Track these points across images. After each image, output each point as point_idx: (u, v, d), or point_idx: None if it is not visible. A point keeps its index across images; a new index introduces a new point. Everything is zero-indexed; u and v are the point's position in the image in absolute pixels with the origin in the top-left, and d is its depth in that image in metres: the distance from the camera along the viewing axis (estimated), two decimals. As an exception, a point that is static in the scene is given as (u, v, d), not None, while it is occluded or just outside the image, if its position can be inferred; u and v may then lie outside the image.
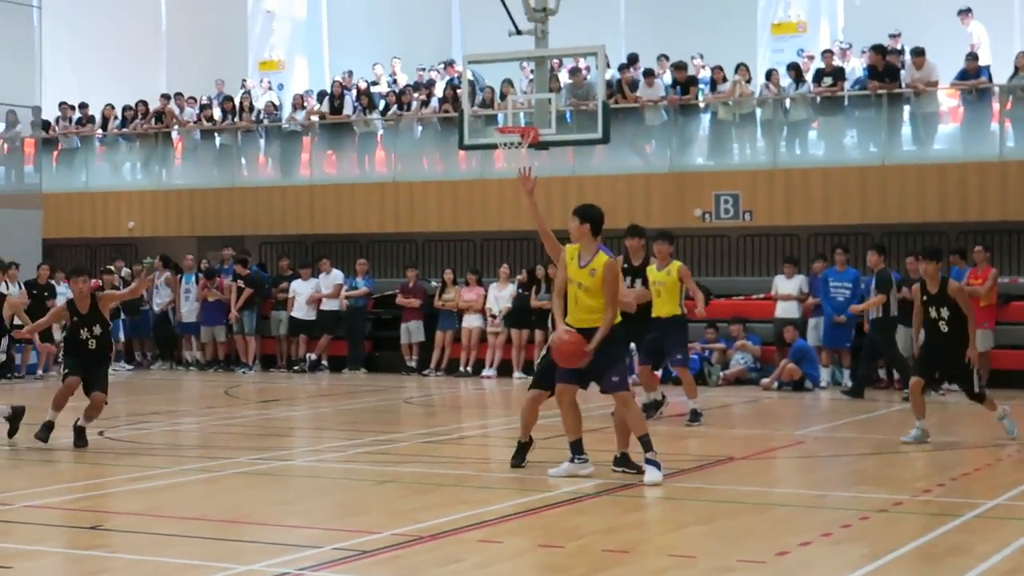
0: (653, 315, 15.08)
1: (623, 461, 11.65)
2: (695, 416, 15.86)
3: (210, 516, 9.88)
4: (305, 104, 28.14)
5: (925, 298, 13.84)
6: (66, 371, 13.92)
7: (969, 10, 24.94)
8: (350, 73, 29.71)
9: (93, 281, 15.80)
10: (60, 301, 19.59)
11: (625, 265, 14.99)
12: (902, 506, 10.34)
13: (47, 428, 13.70)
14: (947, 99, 23.70)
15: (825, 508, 10.38)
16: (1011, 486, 11.23)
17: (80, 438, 13.72)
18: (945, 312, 13.66)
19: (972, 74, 22.75)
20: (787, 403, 19.20)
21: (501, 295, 24.28)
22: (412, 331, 24.88)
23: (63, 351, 14.28)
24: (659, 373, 16.90)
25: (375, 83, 29.06)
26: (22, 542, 8.96)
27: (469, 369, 24.29)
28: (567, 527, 9.55)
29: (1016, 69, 22.58)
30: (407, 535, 9.03)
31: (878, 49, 23.23)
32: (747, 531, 9.52)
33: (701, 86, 25.08)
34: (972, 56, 23.03)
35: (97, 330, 13.80)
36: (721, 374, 22.09)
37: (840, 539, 9.10)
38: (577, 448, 11.51)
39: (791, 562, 8.35)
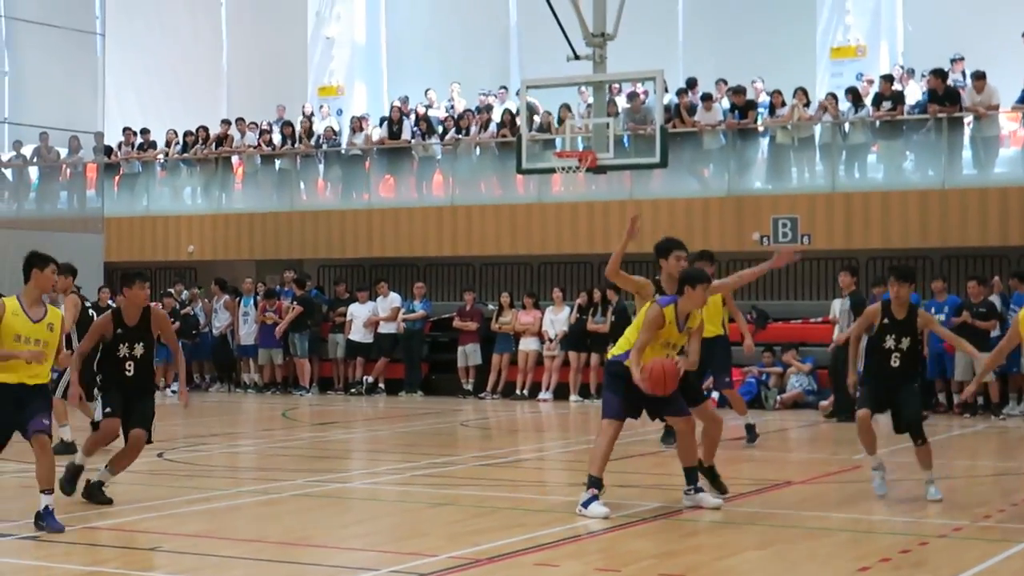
0: None
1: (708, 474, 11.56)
2: (751, 432, 15.76)
3: (268, 538, 9.93)
4: (363, 127, 28.28)
5: (886, 322, 11.77)
6: (107, 410, 11.35)
7: (1030, 32, 24.78)
8: (407, 98, 29.85)
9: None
10: None
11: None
12: (962, 532, 10.25)
13: (74, 476, 11.56)
14: (1008, 122, 23.54)
15: (883, 533, 10.30)
16: (1073, 513, 11.10)
17: (97, 494, 11.35)
18: (905, 343, 11.67)
19: (1034, 97, 22.60)
20: (844, 427, 19.03)
21: (557, 318, 24.28)
22: (469, 354, 24.92)
23: (99, 377, 11.56)
24: (715, 396, 16.69)
25: (430, 107, 29.18)
26: (82, 563, 9.05)
27: (526, 392, 24.29)
28: (624, 551, 9.53)
29: (1079, 91, 22.41)
30: (464, 558, 9.04)
31: (938, 73, 23.10)
32: (805, 556, 9.46)
33: (760, 110, 25.04)
34: (1033, 78, 22.89)
35: (140, 350, 11.34)
36: (778, 398, 21.98)
37: (899, 565, 9.03)
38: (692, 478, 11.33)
39: (849, 587, 8.30)
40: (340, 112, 32.01)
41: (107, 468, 11.40)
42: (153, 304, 14.06)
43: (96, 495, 11.31)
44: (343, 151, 28.19)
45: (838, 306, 20.01)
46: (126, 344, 11.29)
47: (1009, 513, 11.07)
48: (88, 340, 11.51)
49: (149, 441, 11.45)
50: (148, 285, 11.53)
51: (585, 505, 10.73)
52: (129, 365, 11.31)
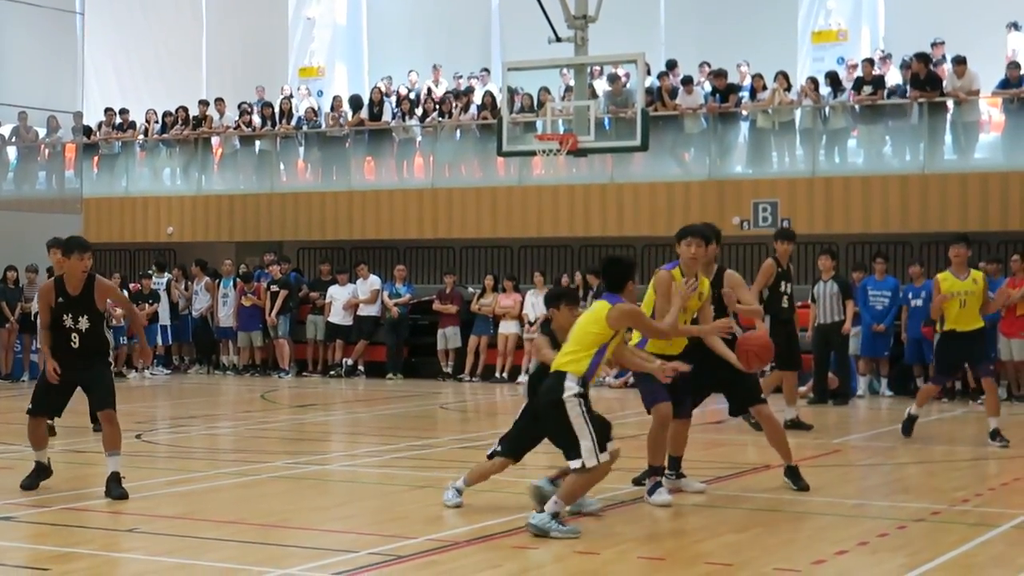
0: None
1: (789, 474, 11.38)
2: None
3: (247, 520, 9.91)
4: (341, 109, 28.19)
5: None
6: (33, 404, 11.10)
7: (1016, 24, 24.83)
8: (389, 79, 29.78)
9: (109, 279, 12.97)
10: None
11: (780, 269, 15.10)
12: (940, 515, 10.28)
13: (37, 475, 11.23)
14: (989, 108, 23.58)
15: (862, 517, 10.32)
16: (1051, 497, 11.15)
17: (116, 486, 10.85)
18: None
19: (1014, 83, 22.64)
20: (825, 411, 19.09)
21: (538, 301, 24.25)
22: (449, 337, 24.91)
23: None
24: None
25: (411, 90, 29.11)
26: (60, 544, 9.01)
27: (505, 375, 24.29)
28: (604, 534, 9.53)
29: (1058, 78, 22.45)
30: (443, 540, 9.03)
31: (921, 57, 23.11)
32: (784, 540, 9.48)
33: (741, 94, 25.03)
34: (1014, 65, 22.92)
35: (84, 323, 10.97)
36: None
37: (877, 548, 9.06)
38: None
39: (828, 571, 8.31)
40: (321, 93, 31.91)
41: (108, 455, 10.96)
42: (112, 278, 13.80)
43: (114, 489, 10.78)
44: (326, 131, 28.06)
45: (819, 290, 20.02)
46: (70, 315, 10.94)
47: (986, 497, 11.11)
48: (42, 313, 11.20)
49: (111, 408, 11.03)
50: (90, 255, 11.03)
51: (650, 493, 10.62)
52: (74, 337, 10.97)
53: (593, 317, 9.52)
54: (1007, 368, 20.26)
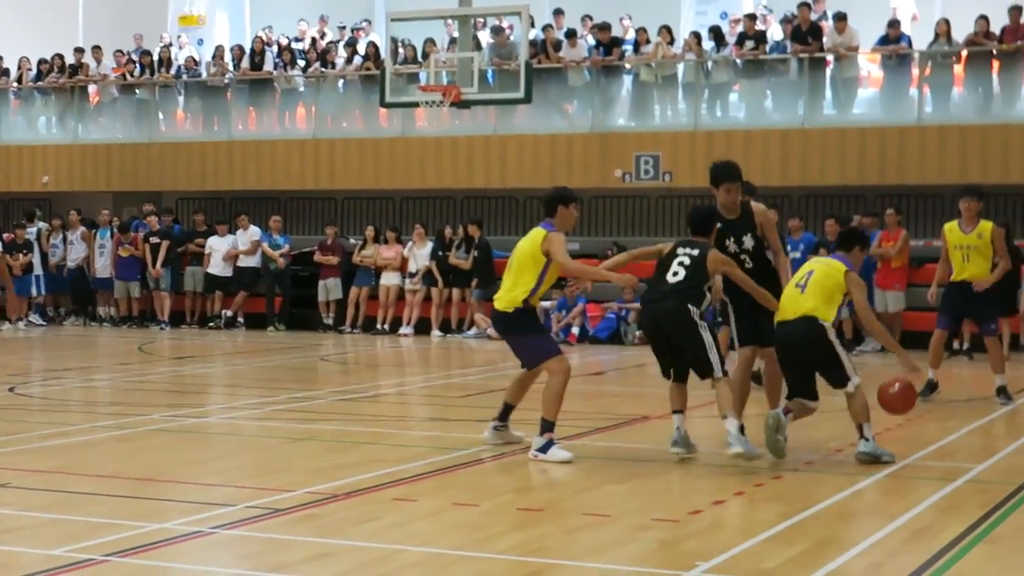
0: None
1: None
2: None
3: (124, 474, 9.77)
4: (224, 58, 27.82)
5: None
6: None
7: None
8: (271, 29, 29.41)
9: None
10: None
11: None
12: (814, 466, 10.43)
13: None
14: (868, 64, 23.87)
15: (739, 467, 10.42)
16: (922, 445, 11.36)
17: None
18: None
19: (893, 40, 22.93)
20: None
21: (420, 253, 24.21)
22: (330, 288, 24.77)
23: None
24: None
25: (298, 39, 28.80)
26: (-71, 499, 8.82)
27: (386, 327, 24.23)
28: (483, 486, 9.55)
29: (936, 36, 22.77)
30: (322, 493, 8.98)
31: (804, 6, 23.32)
32: (662, 490, 9.56)
33: (625, 47, 25.08)
34: (894, 22, 23.21)
35: None
36: (637, 334, 22.13)
37: (753, 498, 9.17)
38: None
39: (705, 521, 8.39)
40: (201, 42, 31.43)
41: None
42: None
43: None
44: (207, 80, 27.66)
45: None
46: None
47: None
48: None
49: None
50: None
51: (544, 451, 10.43)
52: None
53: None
54: (882, 319, 20.58)
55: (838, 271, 10.55)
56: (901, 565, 7.27)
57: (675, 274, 10.53)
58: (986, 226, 14.47)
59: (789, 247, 19.92)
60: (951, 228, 14.60)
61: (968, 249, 14.42)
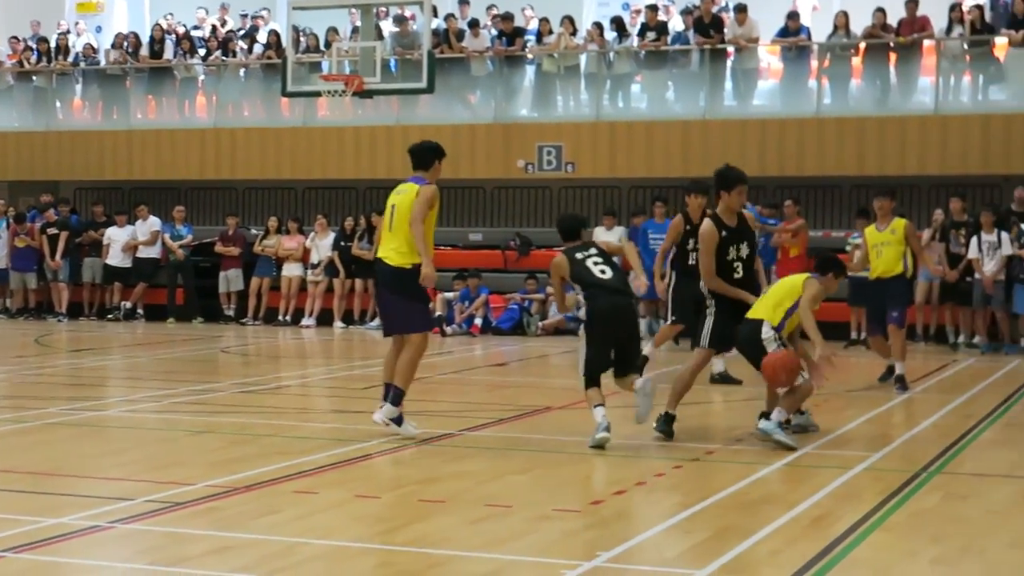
0: None
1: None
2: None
3: (20, 468, 9.62)
4: (123, 46, 27.47)
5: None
6: None
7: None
8: (172, 16, 29.08)
9: None
10: None
11: (688, 227, 14.36)
12: (714, 455, 10.52)
13: None
14: (768, 56, 24.10)
15: (641, 458, 10.50)
16: (820, 435, 11.47)
17: None
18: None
19: (792, 32, 23.16)
20: (552, 345, 19.36)
21: (322, 244, 24.08)
22: (231, 279, 24.56)
23: None
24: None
25: (197, 27, 28.50)
26: None
27: (288, 318, 24.08)
28: (385, 478, 9.52)
29: (835, 28, 23.03)
30: (223, 486, 8.91)
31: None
32: (564, 480, 9.59)
33: (528, 37, 25.11)
34: (792, 14, 23.45)
35: None
36: (540, 324, 22.22)
37: (654, 488, 9.23)
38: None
39: (607, 511, 8.43)
40: (99, 29, 31.02)
41: None
42: None
43: None
44: (104, 69, 27.31)
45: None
46: None
47: (759, 436, 11.36)
48: None
49: None
50: None
51: (399, 423, 10.76)
52: None
53: None
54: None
55: (800, 278, 11.09)
56: (800, 552, 7.35)
57: (603, 272, 10.74)
58: (899, 223, 14.94)
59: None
60: (870, 231, 15.09)
61: (882, 246, 14.84)
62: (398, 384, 10.77)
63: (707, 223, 11.20)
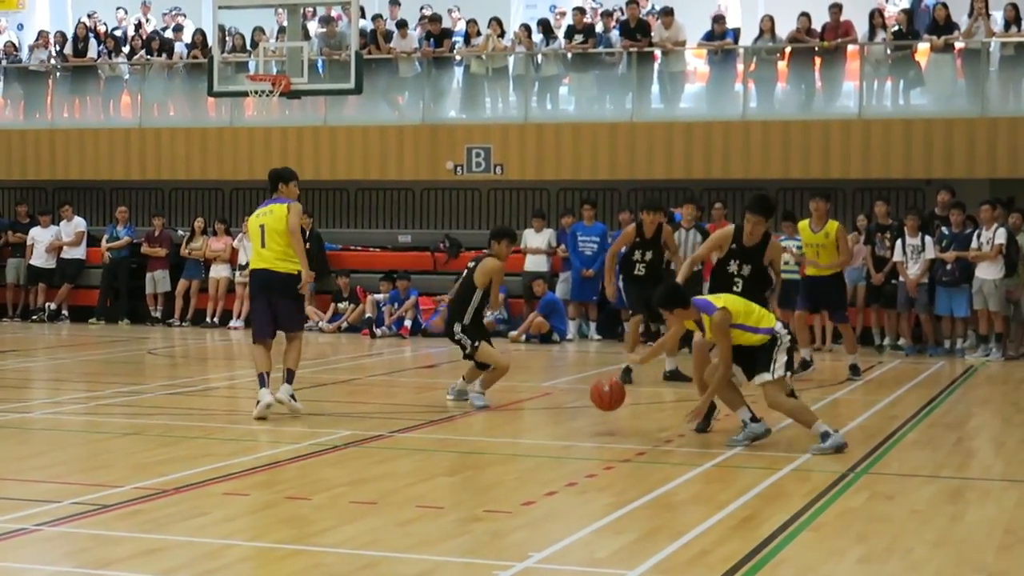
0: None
1: None
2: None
3: (-59, 471, 9.50)
4: (47, 45, 27.17)
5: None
6: None
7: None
8: (95, 14, 28.79)
9: None
10: None
11: (637, 238, 15.31)
12: (645, 456, 10.57)
13: None
14: (694, 59, 24.23)
15: (571, 459, 10.53)
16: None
17: None
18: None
19: (718, 36, 23.31)
20: (535, 355, 19.43)
21: (248, 245, 23.89)
22: (158, 281, 24.37)
23: None
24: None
25: (116, 29, 28.23)
26: None
27: (216, 320, 23.92)
28: (315, 479, 9.49)
29: (761, 32, 23.20)
30: (150, 489, 8.84)
31: (632, 3, 23.58)
32: (494, 482, 9.60)
33: (455, 39, 25.11)
34: (718, 18, 23.60)
35: None
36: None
37: (585, 488, 9.26)
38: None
39: (537, 511, 8.45)
40: (21, 27, 30.67)
41: None
42: None
43: None
44: (30, 66, 26.99)
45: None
46: None
47: (688, 438, 11.45)
48: None
49: None
50: None
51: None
52: None
53: None
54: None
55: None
56: (728, 552, 7.40)
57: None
58: (832, 226, 15.99)
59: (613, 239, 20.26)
60: (803, 227, 16.15)
61: (818, 247, 16.02)
62: (293, 368, 12.33)
63: (728, 228, 12.17)
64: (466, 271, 13.38)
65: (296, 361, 12.40)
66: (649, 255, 15.08)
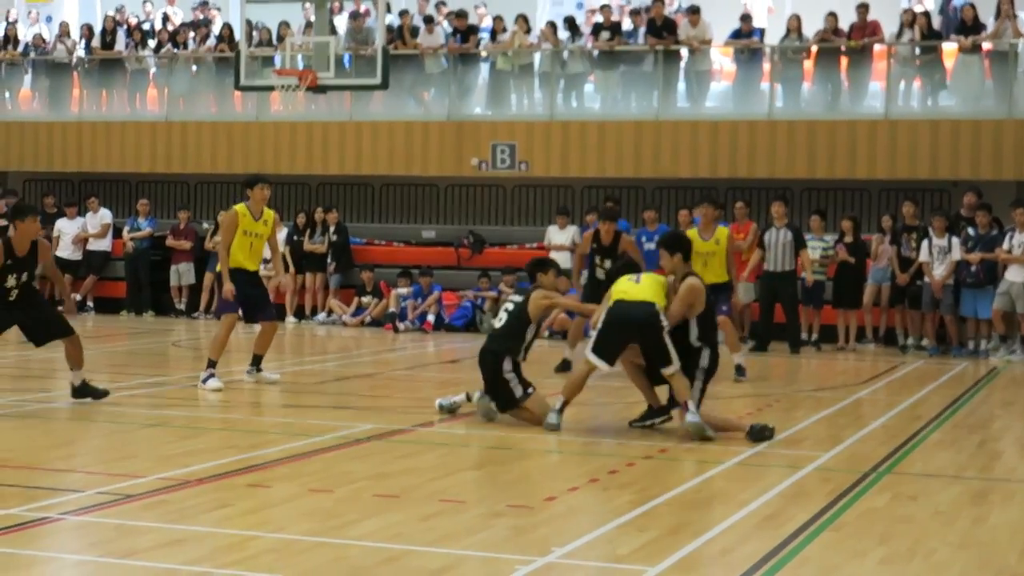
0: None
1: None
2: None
3: (-33, 459, 9.56)
4: (67, 35, 27.27)
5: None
6: None
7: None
8: (123, 8, 28.88)
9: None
10: None
11: (594, 245, 16.05)
12: (667, 453, 10.57)
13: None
14: (721, 58, 24.19)
15: (594, 455, 10.53)
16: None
17: (87, 391, 12.46)
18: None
19: (745, 34, 23.27)
20: (558, 351, 19.38)
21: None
22: (182, 273, 24.45)
23: None
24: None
25: (144, 21, 28.32)
26: None
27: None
28: (338, 472, 9.51)
29: (787, 31, 23.15)
30: (174, 479, 8.88)
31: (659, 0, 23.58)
32: (517, 477, 9.61)
33: (481, 35, 25.12)
34: (745, 16, 23.56)
35: (25, 278, 12.08)
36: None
37: (608, 485, 9.26)
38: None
39: (559, 507, 8.46)
40: (49, 19, 30.79)
41: (73, 371, 12.57)
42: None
43: (90, 391, 12.55)
44: (58, 59, 27.10)
45: (770, 237, 19.99)
46: (15, 275, 11.97)
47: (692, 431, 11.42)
48: None
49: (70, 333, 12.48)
50: (39, 219, 12.31)
51: (204, 381, 13.55)
52: (14, 292, 12.06)
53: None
54: (734, 310, 20.84)
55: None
56: (751, 551, 7.40)
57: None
58: (723, 232, 15.73)
59: (644, 238, 20.17)
60: (693, 235, 15.04)
61: (707, 256, 15.35)
62: (214, 356, 13.98)
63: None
64: (512, 305, 12.17)
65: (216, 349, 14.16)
66: (608, 263, 15.53)
